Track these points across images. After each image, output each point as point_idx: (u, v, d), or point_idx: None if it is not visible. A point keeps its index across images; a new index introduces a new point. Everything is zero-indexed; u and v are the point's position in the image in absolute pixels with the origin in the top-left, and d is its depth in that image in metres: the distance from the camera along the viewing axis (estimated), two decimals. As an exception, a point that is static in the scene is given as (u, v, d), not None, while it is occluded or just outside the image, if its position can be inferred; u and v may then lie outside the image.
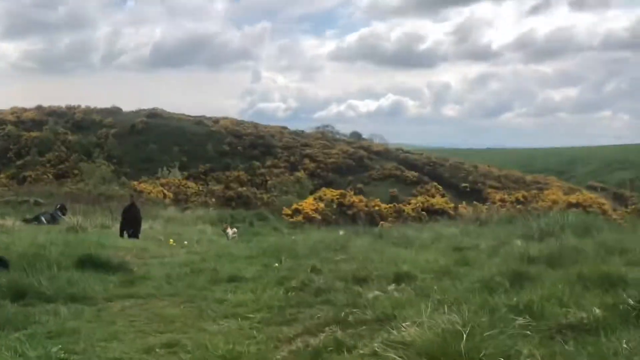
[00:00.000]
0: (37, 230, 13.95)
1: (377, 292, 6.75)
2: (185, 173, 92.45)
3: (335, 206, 46.11)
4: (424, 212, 44.22)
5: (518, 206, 42.15)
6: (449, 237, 10.79)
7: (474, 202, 57.24)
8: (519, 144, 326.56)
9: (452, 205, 48.59)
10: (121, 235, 16.50)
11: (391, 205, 51.08)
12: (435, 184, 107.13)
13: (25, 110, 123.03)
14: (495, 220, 24.78)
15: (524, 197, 44.63)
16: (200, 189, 60.05)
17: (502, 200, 47.37)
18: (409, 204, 53.10)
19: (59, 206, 25.26)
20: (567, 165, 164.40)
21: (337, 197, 48.54)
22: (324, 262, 8.96)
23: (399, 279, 7.29)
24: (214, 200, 51.12)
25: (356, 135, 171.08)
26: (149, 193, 51.70)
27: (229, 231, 23.67)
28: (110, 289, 8.28)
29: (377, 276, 7.57)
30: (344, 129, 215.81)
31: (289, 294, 7.63)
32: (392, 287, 7.04)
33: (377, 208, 47.84)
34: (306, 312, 7.14)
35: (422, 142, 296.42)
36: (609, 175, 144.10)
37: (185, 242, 14.98)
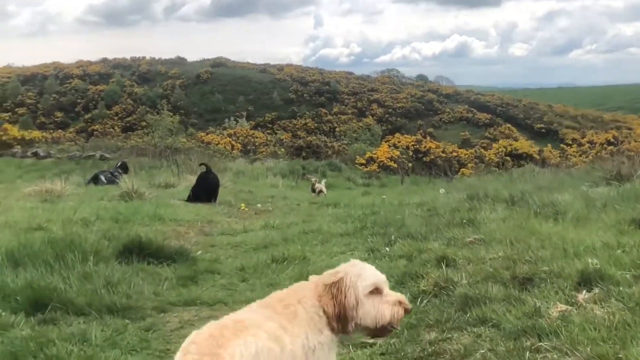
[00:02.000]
0: (89, 196, 12.05)
1: (562, 306, 4.43)
2: (252, 122, 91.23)
3: (411, 153, 43.69)
4: (507, 158, 41.42)
5: (609, 147, 39.00)
6: (602, 199, 8.39)
7: (561, 145, 54.38)
8: (590, 81, 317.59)
9: (536, 149, 45.60)
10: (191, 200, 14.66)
11: (471, 150, 48.33)
12: (509, 125, 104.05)
13: (90, 63, 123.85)
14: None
15: (614, 137, 41.42)
16: (269, 138, 58.12)
17: (591, 142, 44.22)
18: (488, 148, 50.51)
19: (119, 164, 23.39)
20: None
21: (413, 143, 46.04)
22: (452, 245, 6.69)
23: (586, 280, 4.88)
24: (283, 150, 49.09)
25: (422, 78, 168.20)
26: (216, 144, 50.03)
27: (318, 185, 21.48)
28: (164, 292, 6.06)
29: (549, 275, 5.20)
30: (409, 72, 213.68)
31: (420, 304, 5.29)
32: (582, 295, 4.68)
33: (455, 154, 45.19)
34: (454, 339, 4.56)
35: (490, 83, 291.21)
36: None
37: (259, 205, 12.89)
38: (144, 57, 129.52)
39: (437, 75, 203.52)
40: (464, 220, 7.33)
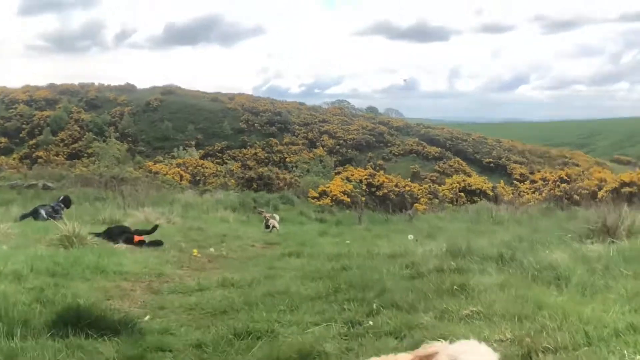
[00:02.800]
0: (24, 238, 10.88)
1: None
2: (202, 151, 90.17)
3: (364, 187, 43.05)
4: (461, 194, 41.04)
5: (563, 185, 38.83)
6: (602, 260, 7.58)
7: (514, 182, 54.32)
8: (536, 117, 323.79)
9: (490, 185, 45.35)
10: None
11: (425, 185, 47.91)
12: (459, 159, 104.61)
13: (37, 88, 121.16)
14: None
15: (567, 175, 41.30)
16: (219, 169, 57.09)
17: (544, 179, 44.10)
18: (438, 182, 50.16)
19: (62, 198, 22.04)
20: (587, 138, 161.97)
21: (366, 177, 45.42)
22: (446, 319, 5.74)
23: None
24: (233, 181, 48.12)
25: (372, 110, 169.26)
26: (164, 174, 48.82)
27: (272, 221, 20.68)
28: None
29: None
30: (359, 104, 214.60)
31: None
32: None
33: (407, 189, 44.68)
34: None
35: (438, 116, 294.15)
36: (631, 148, 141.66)
37: (212, 250, 11.93)
38: (92, 84, 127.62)
39: (386, 108, 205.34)
40: (455, 287, 6.42)
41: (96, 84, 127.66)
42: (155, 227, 13.14)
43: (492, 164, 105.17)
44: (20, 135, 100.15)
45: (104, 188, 36.53)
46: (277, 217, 21.50)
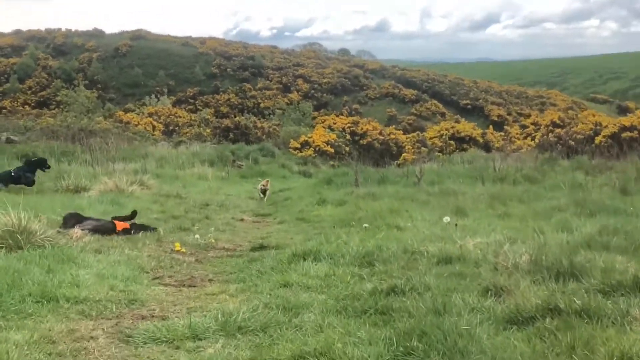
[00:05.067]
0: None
1: None
2: (173, 97, 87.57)
3: (347, 136, 40.83)
4: (451, 142, 38.99)
5: (557, 130, 36.83)
6: None
7: (504, 128, 52.29)
8: (507, 56, 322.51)
9: (479, 131, 43.32)
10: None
11: (413, 134, 45.72)
12: (435, 101, 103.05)
13: (2, 35, 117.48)
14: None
15: (560, 119, 39.30)
16: (193, 117, 54.46)
17: (535, 124, 42.14)
18: (426, 130, 48.12)
19: (29, 161, 18.82)
20: (559, 76, 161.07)
21: (349, 125, 43.12)
22: None
23: None
24: (208, 131, 45.69)
25: (345, 52, 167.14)
26: (136, 125, 46.21)
27: (262, 189, 18.76)
28: None
29: None
30: (331, 46, 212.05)
31: None
32: None
33: (393, 137, 42.46)
34: None
35: (410, 57, 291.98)
36: (602, 85, 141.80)
37: (197, 237, 9.71)
38: (59, 29, 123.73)
39: (358, 50, 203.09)
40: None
41: (63, 29, 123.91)
42: (134, 214, 10.77)
43: (469, 106, 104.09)
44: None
45: (71, 141, 34.13)
46: (268, 183, 19.42)
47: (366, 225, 9.59)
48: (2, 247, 7.38)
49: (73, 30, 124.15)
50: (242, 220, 13.43)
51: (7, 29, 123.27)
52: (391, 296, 5.53)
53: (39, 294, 5.57)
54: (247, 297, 6.01)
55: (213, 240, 9.75)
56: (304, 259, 7.17)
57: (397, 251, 7.28)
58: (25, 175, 16.57)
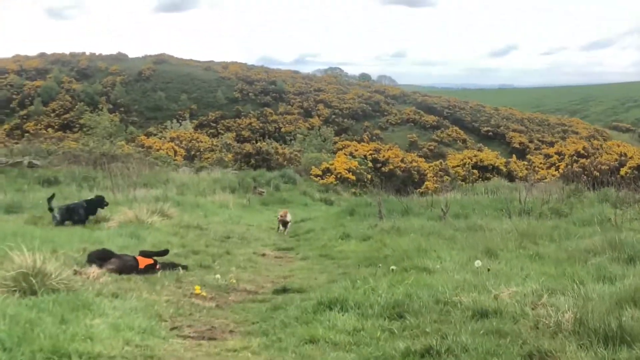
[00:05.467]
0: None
1: None
2: (195, 121, 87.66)
3: (369, 164, 40.47)
4: (475, 171, 38.50)
5: (581, 160, 36.33)
6: None
7: (527, 157, 51.64)
8: (528, 83, 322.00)
9: (503, 160, 42.83)
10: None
11: (436, 162, 45.26)
12: (456, 128, 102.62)
13: (28, 58, 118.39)
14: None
15: (584, 149, 38.76)
16: (214, 142, 54.32)
17: (559, 154, 41.57)
18: (438, 154, 47.64)
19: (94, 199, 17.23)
20: (579, 104, 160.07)
21: (371, 152, 42.79)
22: None
23: None
24: (230, 156, 45.52)
25: (365, 78, 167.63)
26: (157, 150, 46.14)
27: (286, 217, 18.30)
28: None
29: None
30: (352, 71, 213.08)
31: None
32: None
33: (415, 165, 42.08)
34: None
35: (429, 82, 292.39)
36: (624, 113, 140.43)
37: (218, 277, 9.37)
38: (83, 53, 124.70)
39: (379, 75, 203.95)
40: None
41: (87, 53, 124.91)
42: (166, 251, 10.38)
43: (490, 133, 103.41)
44: (11, 105, 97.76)
45: (93, 166, 34.05)
46: (288, 215, 18.70)
47: (393, 267, 9.21)
48: (15, 291, 7.07)
49: (97, 54, 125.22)
50: (263, 255, 13.10)
51: (33, 52, 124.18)
52: (426, 359, 5.19)
53: (51, 349, 5.25)
54: (270, 356, 5.67)
55: (234, 281, 9.43)
56: (330, 309, 6.80)
57: (428, 301, 6.90)
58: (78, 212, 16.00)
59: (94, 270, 8.81)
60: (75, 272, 8.70)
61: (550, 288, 6.95)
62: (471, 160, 40.69)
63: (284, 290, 8.78)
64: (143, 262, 9.73)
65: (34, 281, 7.12)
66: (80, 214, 15.89)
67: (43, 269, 7.37)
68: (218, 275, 9.61)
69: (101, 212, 16.52)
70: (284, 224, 18.01)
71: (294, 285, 9.13)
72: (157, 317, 6.86)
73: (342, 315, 6.59)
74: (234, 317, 7.38)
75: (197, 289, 8.43)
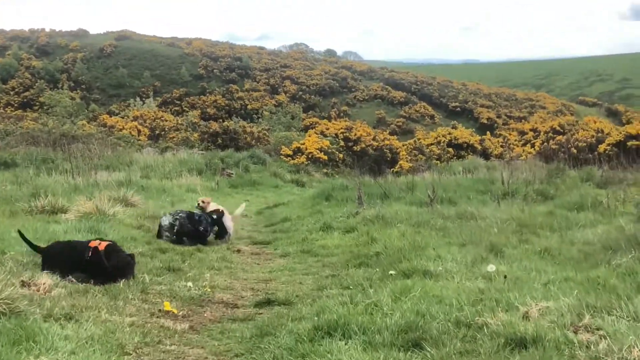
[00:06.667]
0: None
1: None
2: (159, 99, 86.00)
3: (341, 143, 39.37)
4: (450, 149, 37.60)
5: (558, 137, 35.58)
6: None
7: (497, 133, 50.91)
8: (494, 57, 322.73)
9: (477, 138, 41.98)
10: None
11: (410, 141, 44.26)
12: (424, 104, 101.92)
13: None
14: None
15: (560, 125, 38.04)
16: (179, 121, 52.81)
17: (535, 130, 40.84)
18: (419, 137, 46.71)
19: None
20: (544, 78, 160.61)
21: (342, 130, 41.65)
22: None
23: None
24: (196, 135, 44.16)
25: (331, 53, 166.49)
26: (120, 129, 44.59)
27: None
28: None
29: None
30: (317, 46, 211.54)
31: None
32: None
33: (387, 143, 41.03)
34: None
35: (396, 58, 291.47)
36: (588, 88, 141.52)
37: (190, 285, 8.15)
38: (43, 29, 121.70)
39: (345, 51, 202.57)
40: None
41: (47, 29, 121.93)
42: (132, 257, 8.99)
43: (458, 108, 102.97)
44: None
45: (52, 147, 32.59)
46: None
47: (392, 272, 8.09)
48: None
49: (57, 30, 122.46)
50: (238, 251, 11.90)
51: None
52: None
53: None
54: None
55: (209, 290, 8.20)
56: (330, 335, 5.60)
57: (446, 323, 5.76)
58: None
59: (44, 280, 7.57)
60: (23, 284, 7.44)
61: (590, 304, 5.82)
62: (445, 138, 39.79)
63: (268, 303, 7.58)
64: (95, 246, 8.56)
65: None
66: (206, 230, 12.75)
67: (7, 293, 6.12)
68: (190, 283, 8.40)
69: (60, 201, 15.18)
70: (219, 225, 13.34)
71: (279, 295, 7.92)
72: (119, 349, 5.60)
73: (346, 345, 5.40)
74: (212, 344, 6.11)
75: (167, 305, 7.16)
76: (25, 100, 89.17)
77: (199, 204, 14.12)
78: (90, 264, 8.52)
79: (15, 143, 34.49)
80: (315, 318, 5.95)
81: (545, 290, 6.71)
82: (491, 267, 7.54)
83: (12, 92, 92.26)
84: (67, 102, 59.61)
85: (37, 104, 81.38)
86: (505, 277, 7.19)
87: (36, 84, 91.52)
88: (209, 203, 14.13)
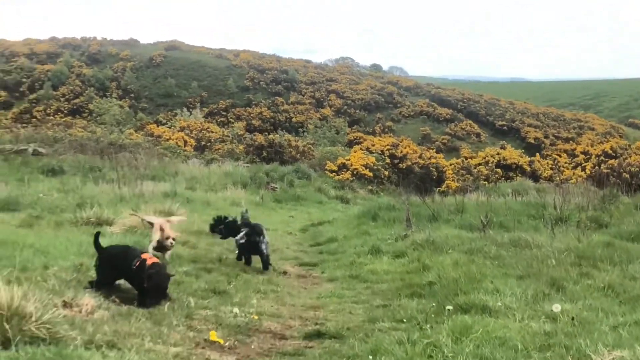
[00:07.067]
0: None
1: None
2: (205, 109, 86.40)
3: (387, 160, 38.92)
4: (498, 170, 36.93)
5: (610, 161, 34.74)
6: None
7: (545, 154, 50.01)
8: (543, 76, 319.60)
9: (526, 159, 41.24)
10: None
11: (457, 160, 43.66)
12: (470, 121, 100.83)
13: (39, 41, 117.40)
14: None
15: (612, 149, 37.20)
16: (225, 133, 52.89)
17: (586, 153, 39.98)
18: (469, 157, 46.02)
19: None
20: (593, 99, 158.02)
21: (388, 147, 41.19)
22: None
23: None
24: (241, 147, 44.13)
25: (377, 68, 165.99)
26: (167, 139, 44.74)
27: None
28: None
29: None
30: (363, 61, 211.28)
31: None
32: None
33: (434, 161, 40.48)
34: None
35: (442, 74, 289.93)
36: (638, 110, 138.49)
37: (236, 311, 7.84)
38: (94, 37, 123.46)
39: (390, 66, 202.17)
40: None
41: (99, 37, 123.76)
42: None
43: (505, 127, 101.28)
44: (21, 89, 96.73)
45: (100, 155, 32.76)
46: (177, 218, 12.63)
47: (449, 307, 7.66)
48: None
49: (108, 39, 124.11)
50: (285, 273, 11.59)
51: (43, 35, 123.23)
52: None
53: None
54: None
55: (256, 317, 7.89)
56: None
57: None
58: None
59: (87, 301, 7.30)
60: (65, 305, 7.19)
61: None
62: (494, 158, 39.11)
63: (318, 335, 7.23)
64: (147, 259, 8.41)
65: (6, 327, 5.61)
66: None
67: (21, 308, 5.82)
68: (236, 309, 8.07)
69: (106, 212, 15.06)
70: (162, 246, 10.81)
71: (329, 326, 7.56)
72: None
73: None
74: None
75: (213, 335, 6.81)
76: (74, 107, 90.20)
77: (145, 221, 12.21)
78: (134, 274, 8.40)
79: (64, 150, 34.74)
80: (370, 357, 5.56)
81: (616, 335, 6.26)
82: (556, 307, 7.10)
83: (62, 99, 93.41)
84: (115, 111, 60.19)
85: (86, 111, 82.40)
86: (572, 318, 6.75)
87: (86, 92, 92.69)
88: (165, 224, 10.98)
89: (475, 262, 10.52)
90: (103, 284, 8.62)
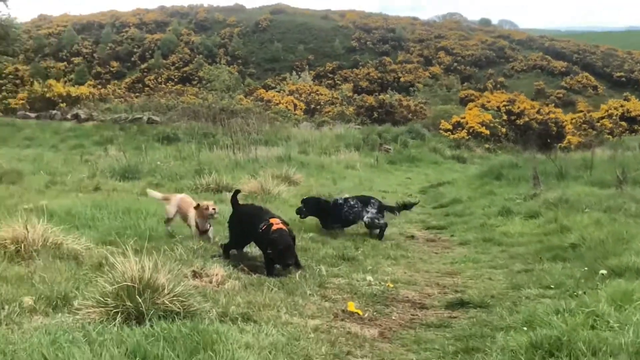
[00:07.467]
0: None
1: None
2: (313, 72, 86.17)
3: (504, 116, 37.68)
4: (622, 122, 35.18)
5: None
6: None
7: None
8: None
9: (652, 111, 39.17)
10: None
11: (578, 114, 41.94)
12: (587, 74, 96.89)
13: (147, 11, 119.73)
14: None
15: None
16: (334, 95, 52.58)
17: None
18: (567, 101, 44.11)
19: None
20: None
21: (505, 103, 39.85)
22: None
23: None
24: (351, 109, 43.74)
25: (486, 22, 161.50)
26: (277, 104, 44.78)
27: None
28: None
29: None
30: (470, 15, 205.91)
31: None
32: None
33: (552, 116, 38.90)
34: None
35: (553, 25, 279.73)
36: None
37: (369, 279, 7.46)
38: (201, 5, 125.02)
39: (500, 19, 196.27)
40: None
41: (205, 4, 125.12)
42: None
43: (623, 78, 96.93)
44: (132, 59, 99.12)
45: (212, 122, 33.10)
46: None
47: (603, 271, 7.02)
48: (117, 313, 5.35)
49: (215, 5, 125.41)
50: (412, 237, 11.15)
51: (152, 4, 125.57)
52: None
53: None
54: None
55: (391, 285, 7.50)
56: (552, 355, 4.66)
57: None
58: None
59: (217, 271, 7.07)
60: (195, 275, 6.99)
61: None
62: (617, 110, 37.26)
63: (461, 304, 6.73)
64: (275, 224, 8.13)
65: (139, 300, 5.39)
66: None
67: (153, 280, 5.61)
68: (369, 277, 7.69)
69: (224, 179, 15.02)
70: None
71: (471, 294, 7.03)
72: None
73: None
74: (409, 359, 5.35)
75: (351, 306, 6.41)
76: (184, 75, 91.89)
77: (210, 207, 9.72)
78: (261, 238, 8.20)
79: (177, 118, 35.28)
80: (530, 333, 5.00)
81: None
82: None
83: (172, 67, 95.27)
84: (225, 77, 60.62)
85: (196, 78, 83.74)
86: None
87: (195, 59, 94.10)
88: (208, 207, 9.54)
89: (618, 221, 9.78)
90: (234, 246, 8.59)
